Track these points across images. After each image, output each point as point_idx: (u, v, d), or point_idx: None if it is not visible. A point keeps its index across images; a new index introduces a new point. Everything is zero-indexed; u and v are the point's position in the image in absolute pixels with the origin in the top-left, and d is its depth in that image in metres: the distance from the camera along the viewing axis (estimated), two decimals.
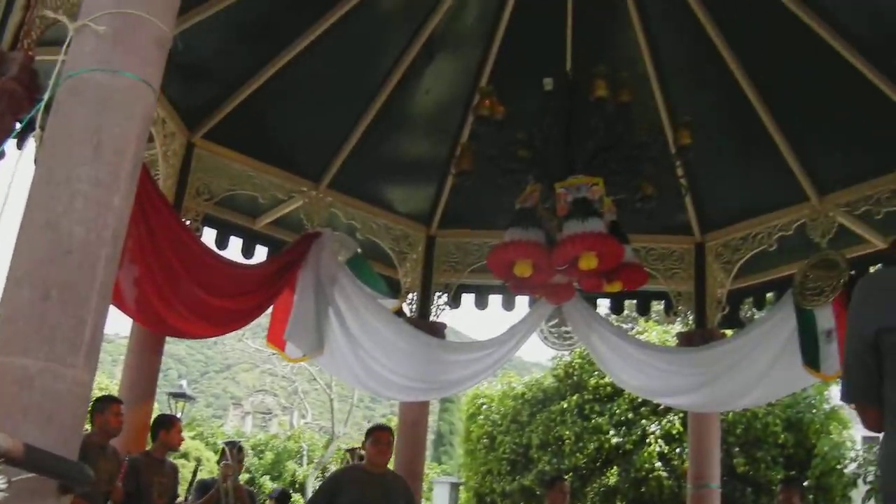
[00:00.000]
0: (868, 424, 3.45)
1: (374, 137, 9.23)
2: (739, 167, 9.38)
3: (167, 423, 8.13)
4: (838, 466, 20.19)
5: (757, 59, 8.44)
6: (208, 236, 9.04)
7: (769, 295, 10.04)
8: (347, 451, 14.40)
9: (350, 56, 8.60)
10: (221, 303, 8.13)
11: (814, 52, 7.97)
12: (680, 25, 8.48)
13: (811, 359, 8.26)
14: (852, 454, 21.33)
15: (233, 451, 9.41)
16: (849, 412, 20.54)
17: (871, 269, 9.28)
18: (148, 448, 7.90)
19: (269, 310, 8.89)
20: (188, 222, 8.31)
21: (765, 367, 8.70)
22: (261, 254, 9.66)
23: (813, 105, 8.55)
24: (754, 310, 11.30)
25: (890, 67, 7.85)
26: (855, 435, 22.41)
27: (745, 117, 8.72)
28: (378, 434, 7.71)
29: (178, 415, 18.64)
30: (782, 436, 20.06)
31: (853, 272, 8.31)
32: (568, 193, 5.93)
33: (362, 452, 8.66)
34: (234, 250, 9.38)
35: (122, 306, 7.27)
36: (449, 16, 8.50)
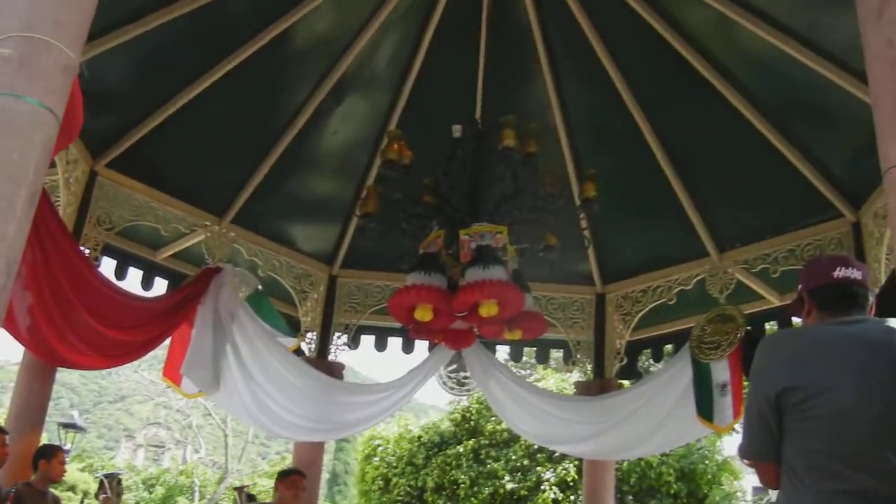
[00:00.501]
0: (765, 481, 3.58)
1: (280, 175, 9.17)
2: (642, 221, 9.52)
3: (48, 454, 7.90)
4: None
5: (663, 116, 8.62)
6: (107, 266, 8.89)
7: (667, 347, 10.18)
8: (236, 489, 14.16)
9: (259, 93, 8.58)
10: (116, 334, 7.94)
11: (719, 113, 8.18)
12: (589, 79, 8.63)
13: (705, 411, 8.38)
14: None
15: (112, 484, 9.22)
16: (740, 463, 20.90)
17: (767, 326, 9.48)
18: (31, 479, 7.69)
19: (167, 342, 8.74)
20: (87, 251, 8.12)
21: (660, 418, 8.79)
22: (160, 286, 9.53)
23: (716, 164, 8.78)
24: (651, 361, 11.40)
25: (790, 131, 8.07)
26: (745, 485, 22.80)
27: (649, 173, 8.88)
28: (296, 478, 7.77)
29: (68, 446, 18.16)
30: (675, 485, 20.31)
31: (749, 327, 8.49)
32: (472, 240, 5.94)
33: (251, 492, 8.57)
34: (133, 281, 9.23)
35: (14, 333, 7.07)
36: (360, 58, 8.51)
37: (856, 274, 3.52)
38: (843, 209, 8.19)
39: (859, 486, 3.16)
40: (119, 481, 9.83)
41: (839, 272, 3.60)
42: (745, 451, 3.58)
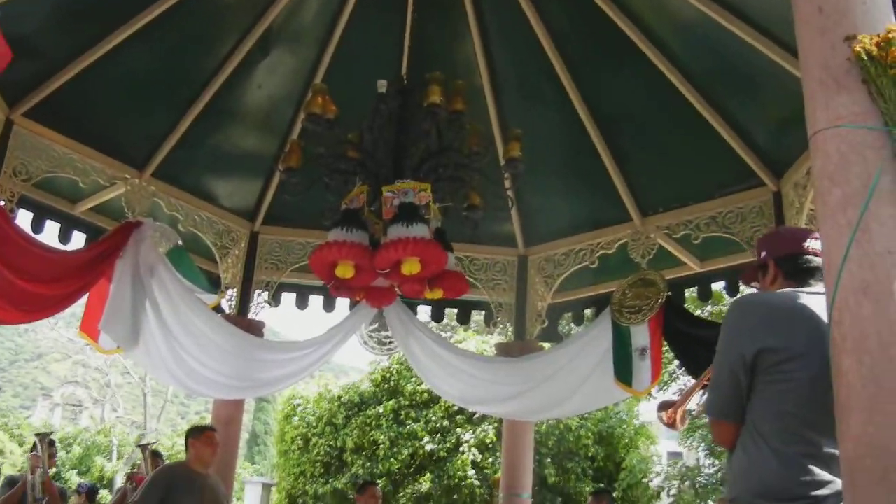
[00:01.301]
0: (722, 440, 3.66)
1: (202, 129, 9.02)
2: (567, 185, 9.57)
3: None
4: (644, 480, 20.94)
5: (591, 81, 8.65)
6: (24, 219, 8.65)
7: (588, 311, 10.26)
8: (139, 446, 13.91)
9: (182, 45, 8.42)
10: (33, 288, 7.77)
11: (645, 77, 8.22)
12: (517, 40, 8.60)
13: (624, 375, 8.48)
14: (658, 468, 22.16)
15: (44, 444, 9.11)
16: (657, 428, 21.29)
17: (688, 292, 9.61)
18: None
19: (84, 299, 8.59)
20: (2, 202, 7.92)
21: (579, 381, 8.88)
22: (78, 240, 9.32)
23: (643, 130, 8.85)
24: (572, 324, 11.49)
25: (716, 100, 8.14)
26: (661, 450, 23.22)
27: (575, 136, 8.91)
28: (210, 433, 7.72)
29: None
30: (593, 449, 20.63)
31: (670, 293, 8.59)
32: (395, 197, 5.90)
33: (156, 448, 8.52)
34: (50, 234, 9.04)
35: None
36: (287, 11, 8.39)
37: (820, 247, 3.57)
38: (765, 178, 8.29)
39: (825, 453, 3.24)
40: (52, 442, 9.73)
41: (809, 243, 3.70)
42: (710, 409, 3.63)
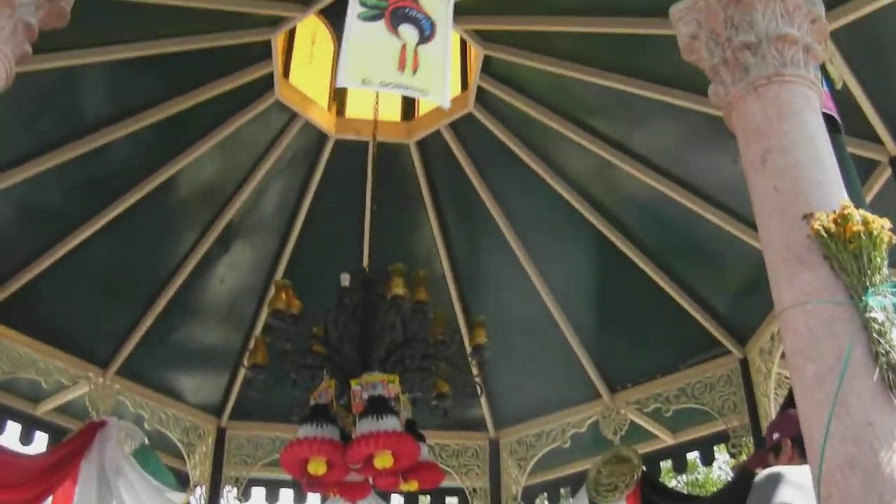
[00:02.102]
0: None
1: (165, 325, 8.96)
2: (533, 365, 9.51)
3: None
4: None
5: (548, 258, 8.76)
6: None
7: (563, 490, 10.09)
8: None
9: (144, 240, 8.46)
10: None
11: (604, 254, 8.36)
12: (475, 225, 8.76)
13: None
14: None
15: None
16: None
17: (663, 465, 9.51)
18: None
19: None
20: None
21: None
22: (41, 441, 9.09)
23: (603, 305, 8.90)
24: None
25: (673, 271, 8.24)
26: None
27: (537, 315, 8.95)
28: None
29: None
30: None
31: (644, 467, 8.49)
32: (363, 390, 5.84)
33: None
34: (11, 437, 8.86)
35: None
36: (246, 206, 8.49)
37: None
38: (729, 346, 8.34)
39: None
40: None
41: None
42: None
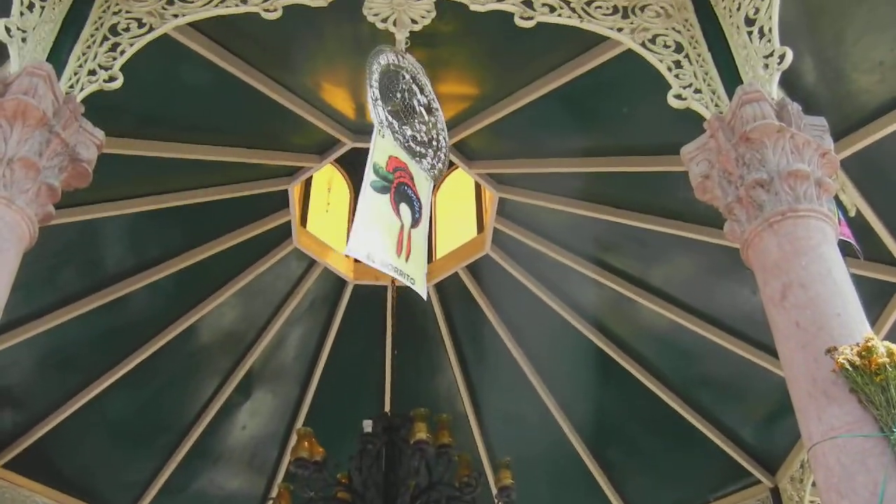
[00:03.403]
0: None
1: (187, 472, 8.89)
2: (557, 498, 9.38)
3: None
4: None
5: (572, 396, 8.75)
6: None
7: None
8: None
9: (164, 391, 8.47)
10: None
11: (627, 389, 8.35)
12: (497, 365, 8.76)
13: None
14: None
15: None
16: None
17: None
18: None
19: None
20: None
21: None
22: None
23: (629, 440, 8.84)
24: None
25: (697, 403, 8.20)
26: None
27: (562, 453, 8.87)
28: None
29: None
30: None
31: None
32: None
33: None
34: None
35: None
36: (266, 353, 8.51)
37: None
38: (759, 476, 8.21)
39: None
40: None
41: None
42: None
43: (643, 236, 7.41)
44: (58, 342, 7.59)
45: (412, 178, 4.75)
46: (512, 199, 7.68)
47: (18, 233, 4.05)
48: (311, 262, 8.29)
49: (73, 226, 6.93)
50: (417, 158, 4.84)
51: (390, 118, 4.70)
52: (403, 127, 4.81)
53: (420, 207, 4.75)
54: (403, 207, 4.61)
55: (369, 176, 4.44)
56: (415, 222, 4.70)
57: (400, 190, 4.61)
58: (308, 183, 8.50)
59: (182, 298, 8.04)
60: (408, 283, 4.53)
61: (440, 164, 5.08)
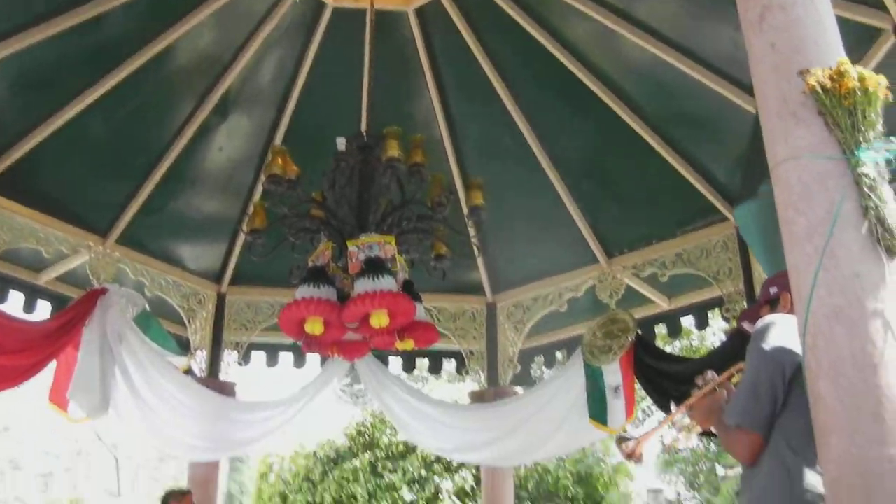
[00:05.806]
0: (746, 452, 3.64)
1: (164, 194, 9.00)
2: (531, 230, 9.58)
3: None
4: None
5: (549, 126, 8.74)
6: None
7: (559, 354, 10.28)
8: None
9: (142, 110, 8.41)
10: None
11: (604, 122, 8.35)
12: (475, 92, 8.69)
13: (598, 414, 8.49)
14: None
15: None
16: (633, 465, 21.39)
17: (657, 329, 9.64)
18: None
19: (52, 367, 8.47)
20: None
21: (555, 423, 8.87)
22: (44, 309, 9.21)
23: (603, 172, 8.96)
24: (544, 368, 11.49)
25: (673, 139, 8.25)
26: (640, 487, 23.30)
27: (536, 182, 8.99)
28: (189, 497, 7.80)
29: None
30: (573, 489, 20.53)
31: (639, 331, 8.61)
32: (359, 252, 5.87)
33: None
34: (14, 305, 8.95)
35: None
36: (244, 75, 8.43)
37: None
38: (726, 213, 8.38)
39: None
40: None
41: None
42: (744, 419, 3.62)
43: None
44: (31, 63, 7.45)
45: None
46: None
47: None
48: None
49: None
50: None
51: None
52: None
53: None
54: None
55: None
56: None
57: None
58: None
59: (158, 18, 7.84)
60: None
61: None
